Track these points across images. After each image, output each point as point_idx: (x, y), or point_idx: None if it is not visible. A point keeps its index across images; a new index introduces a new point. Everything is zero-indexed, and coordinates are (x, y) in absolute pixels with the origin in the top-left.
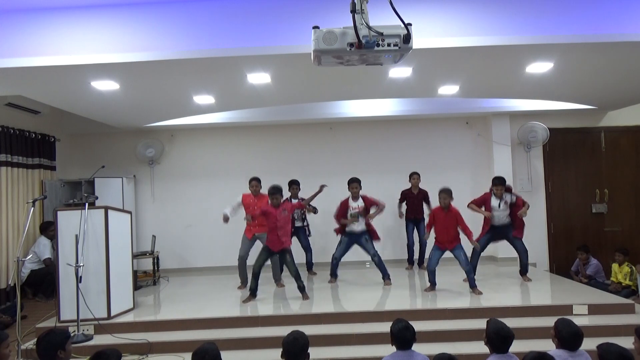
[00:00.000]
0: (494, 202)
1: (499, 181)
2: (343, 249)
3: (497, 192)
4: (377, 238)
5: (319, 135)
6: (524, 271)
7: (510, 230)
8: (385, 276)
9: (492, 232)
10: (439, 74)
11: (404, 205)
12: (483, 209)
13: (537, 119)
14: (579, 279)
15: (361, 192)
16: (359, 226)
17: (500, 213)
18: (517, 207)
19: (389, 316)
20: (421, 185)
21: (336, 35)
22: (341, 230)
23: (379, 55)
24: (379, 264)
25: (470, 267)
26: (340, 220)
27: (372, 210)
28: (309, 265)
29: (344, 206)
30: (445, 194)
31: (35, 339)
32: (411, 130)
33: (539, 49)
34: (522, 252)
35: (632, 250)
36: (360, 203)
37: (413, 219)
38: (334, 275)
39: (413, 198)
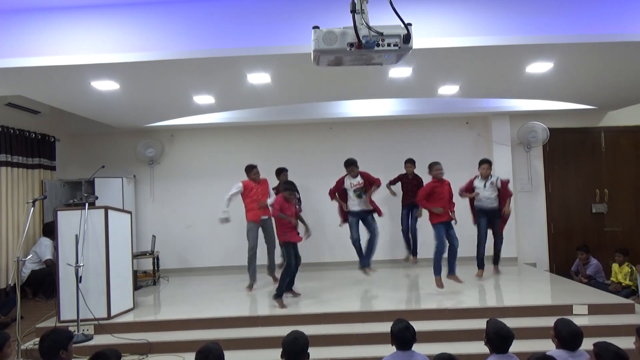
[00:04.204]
0: (478, 182)
1: (484, 160)
2: (356, 229)
3: (483, 172)
4: (381, 214)
5: (319, 135)
6: (497, 260)
7: (498, 216)
8: (367, 262)
9: (485, 215)
10: (439, 74)
11: (397, 190)
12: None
13: (537, 119)
14: (579, 279)
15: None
16: (360, 205)
17: (487, 193)
18: (503, 191)
19: (389, 316)
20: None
21: (336, 35)
22: (345, 219)
23: (379, 55)
24: (372, 245)
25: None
26: (334, 196)
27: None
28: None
29: (340, 183)
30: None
31: (36, 339)
32: (411, 130)
33: (539, 49)
34: (500, 240)
35: (632, 250)
36: (359, 180)
37: (409, 204)
38: (366, 264)
39: (407, 183)
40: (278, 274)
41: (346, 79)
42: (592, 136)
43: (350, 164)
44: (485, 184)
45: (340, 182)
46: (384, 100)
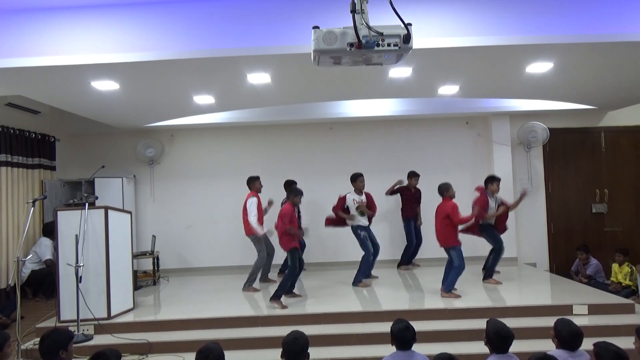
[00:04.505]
0: (491, 202)
1: (498, 178)
2: (370, 243)
3: (496, 189)
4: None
5: (319, 135)
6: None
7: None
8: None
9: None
10: (439, 74)
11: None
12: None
13: (537, 119)
14: (579, 279)
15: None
16: (365, 220)
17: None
18: (504, 205)
19: (389, 316)
20: (421, 185)
21: (336, 35)
22: (330, 223)
23: (379, 55)
24: (375, 259)
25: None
26: (339, 213)
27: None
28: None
29: (342, 201)
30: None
31: (36, 339)
32: (411, 130)
33: (539, 49)
34: None
35: (632, 250)
36: (363, 198)
37: (411, 216)
38: (368, 275)
39: (410, 195)
40: (270, 276)
41: (346, 79)
42: (592, 136)
43: (360, 176)
44: (495, 202)
45: (343, 200)
46: (384, 100)
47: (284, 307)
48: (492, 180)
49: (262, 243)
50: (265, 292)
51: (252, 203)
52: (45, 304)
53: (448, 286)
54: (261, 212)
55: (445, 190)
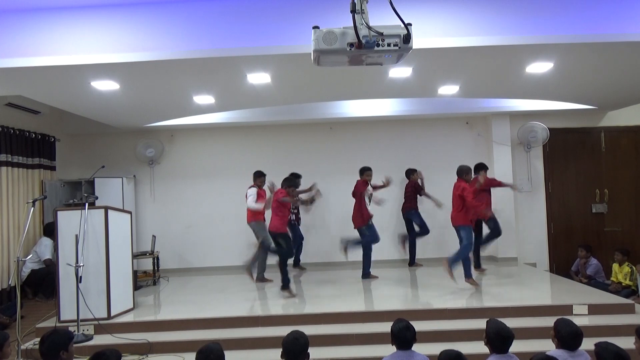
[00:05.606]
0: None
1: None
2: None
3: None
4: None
5: (319, 135)
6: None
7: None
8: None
9: None
10: (439, 74)
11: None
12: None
13: (537, 119)
14: (579, 279)
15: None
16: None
17: None
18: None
19: (389, 316)
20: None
21: (336, 35)
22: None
23: (379, 55)
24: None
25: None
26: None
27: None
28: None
29: (364, 187)
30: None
31: (36, 339)
32: (411, 130)
33: (539, 49)
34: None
35: (632, 250)
36: (370, 189)
37: (415, 207)
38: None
39: (413, 191)
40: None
41: (346, 79)
42: (592, 136)
43: (368, 169)
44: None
45: (366, 185)
46: (384, 100)
47: (292, 295)
48: (485, 167)
49: (264, 230)
50: (263, 292)
51: (252, 192)
52: (45, 304)
53: (452, 261)
54: (265, 199)
55: (464, 173)
